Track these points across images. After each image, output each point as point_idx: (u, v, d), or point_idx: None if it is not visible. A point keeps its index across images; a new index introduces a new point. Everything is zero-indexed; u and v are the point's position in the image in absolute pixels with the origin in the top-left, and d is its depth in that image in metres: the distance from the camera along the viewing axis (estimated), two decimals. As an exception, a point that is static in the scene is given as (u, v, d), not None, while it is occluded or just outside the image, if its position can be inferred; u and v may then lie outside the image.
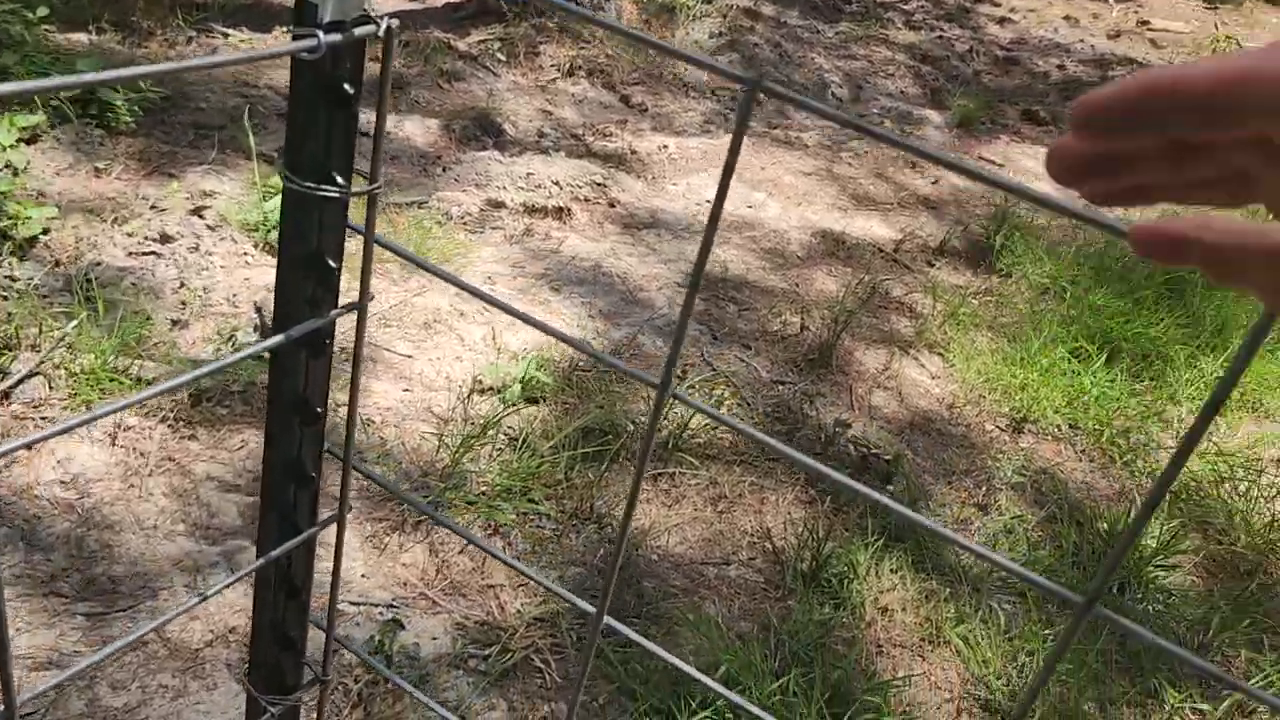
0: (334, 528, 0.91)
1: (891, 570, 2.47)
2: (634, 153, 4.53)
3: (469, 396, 2.74)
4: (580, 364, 2.97)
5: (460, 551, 2.27)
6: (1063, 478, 2.97)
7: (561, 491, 2.49)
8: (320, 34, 0.59)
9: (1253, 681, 2.38)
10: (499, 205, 3.77)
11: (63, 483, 2.20)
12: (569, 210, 3.87)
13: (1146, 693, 2.32)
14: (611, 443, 2.63)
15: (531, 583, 2.22)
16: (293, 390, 0.79)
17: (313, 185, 0.65)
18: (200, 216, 3.20)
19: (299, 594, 0.91)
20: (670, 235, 3.91)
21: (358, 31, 0.61)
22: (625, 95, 5.16)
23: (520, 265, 3.46)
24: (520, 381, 2.74)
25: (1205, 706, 2.29)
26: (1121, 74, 7.87)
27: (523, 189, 3.94)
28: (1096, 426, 3.20)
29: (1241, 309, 3.92)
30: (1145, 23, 9.73)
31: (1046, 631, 2.37)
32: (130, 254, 2.95)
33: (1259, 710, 2.32)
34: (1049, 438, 3.16)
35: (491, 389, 2.78)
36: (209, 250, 3.07)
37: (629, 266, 3.60)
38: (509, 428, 2.64)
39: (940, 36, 7.75)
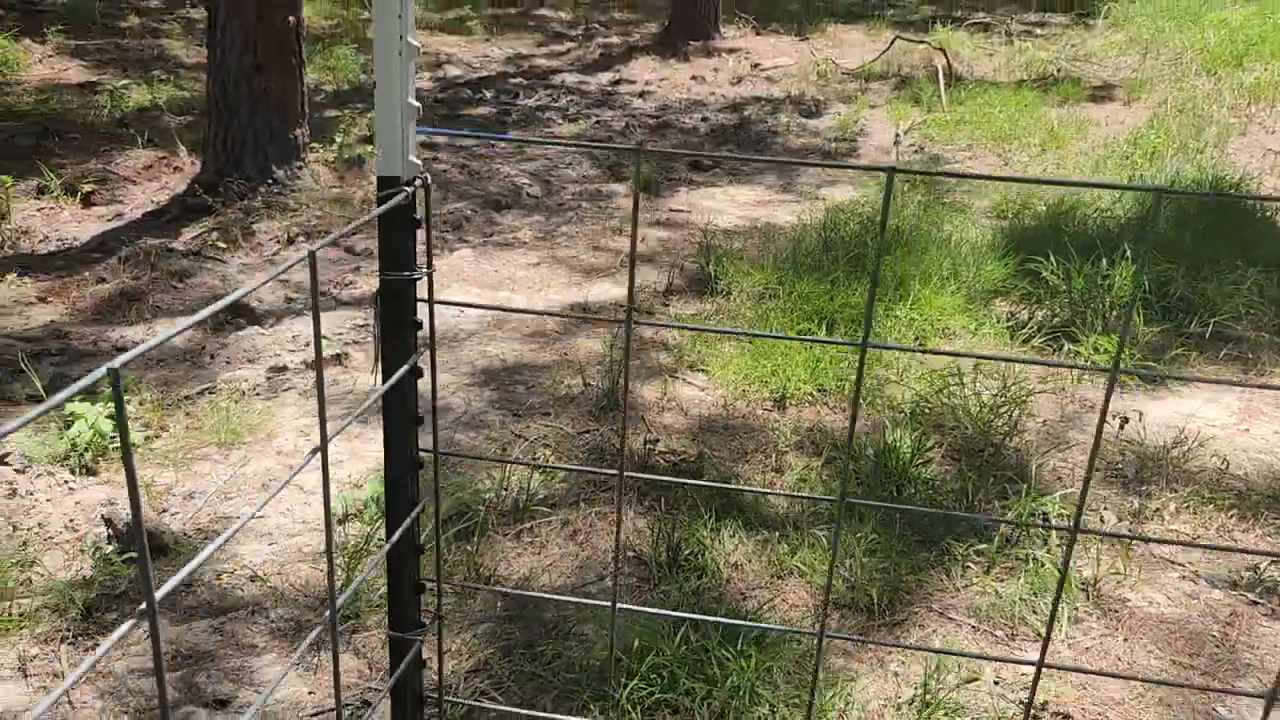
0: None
1: (730, 537, 2.99)
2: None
3: (342, 521, 3.02)
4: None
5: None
6: (826, 429, 3.63)
7: (449, 567, 2.83)
8: (406, 189, 1.02)
9: (1008, 513, 3.08)
10: (281, 369, 4.04)
11: (-8, 726, 2.30)
12: (345, 354, 4.20)
13: (942, 552, 2.97)
14: (475, 516, 3.00)
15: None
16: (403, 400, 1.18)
17: (406, 274, 1.07)
18: (5, 464, 3.28)
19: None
20: (441, 347, 4.32)
21: (417, 182, 1.06)
22: (348, 247, 5.54)
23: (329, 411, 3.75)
24: (373, 500, 3.06)
25: (983, 546, 2.97)
26: (754, 111, 9.14)
27: (294, 350, 4.23)
28: (837, 384, 3.91)
29: (909, 265, 4.84)
30: (757, 65, 11.24)
31: (858, 535, 2.97)
32: (-49, 518, 3.01)
33: (1023, 541, 3.01)
34: (805, 404, 3.83)
35: (349, 516, 3.08)
36: (28, 490, 3.16)
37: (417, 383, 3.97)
38: (379, 539, 2.95)
39: (597, 121, 8.67)
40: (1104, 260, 4.67)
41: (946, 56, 10.36)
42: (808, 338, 1.66)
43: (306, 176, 5.98)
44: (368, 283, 5.01)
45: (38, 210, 5.74)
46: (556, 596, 2.64)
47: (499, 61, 10.88)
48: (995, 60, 11.33)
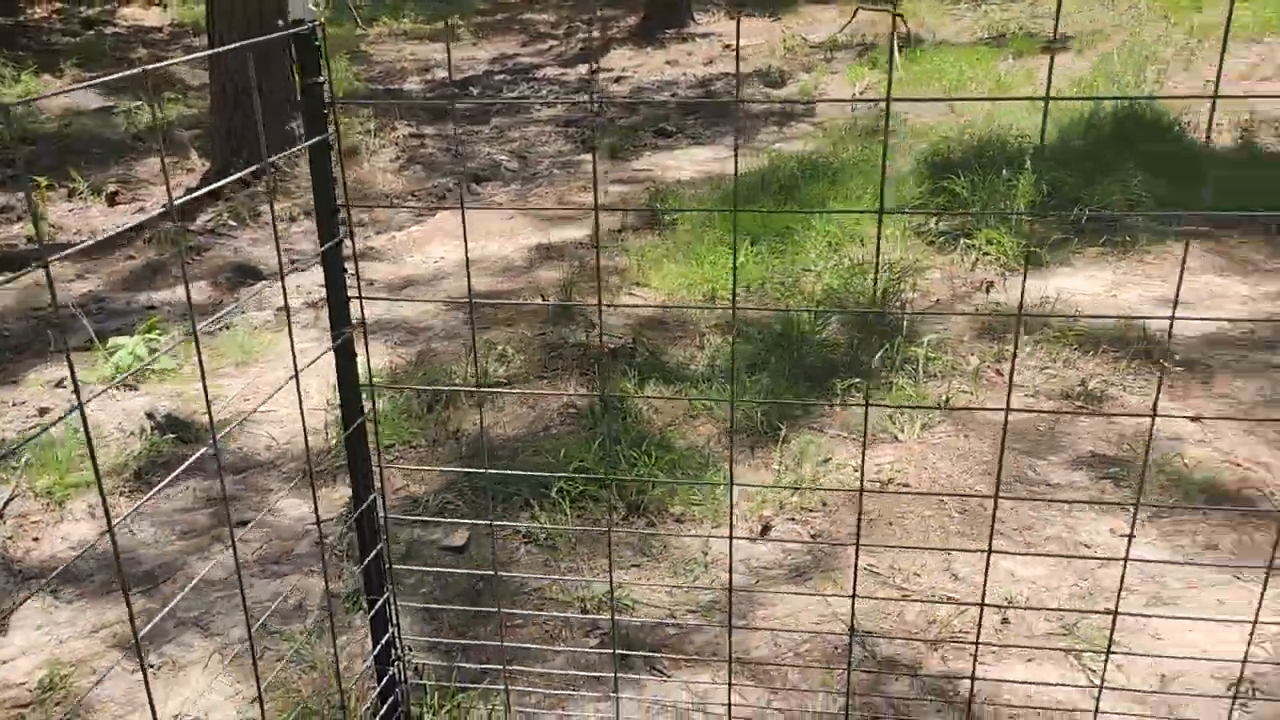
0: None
1: (651, 393, 3.64)
2: (372, 248, 5.62)
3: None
4: (405, 359, 3.99)
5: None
6: (746, 317, 4.27)
7: (427, 429, 3.50)
8: (309, 22, 1.68)
9: (884, 357, 3.71)
10: (285, 309, 4.73)
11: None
12: (341, 296, 4.88)
13: (827, 390, 3.60)
14: (442, 394, 3.67)
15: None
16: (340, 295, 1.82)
17: (323, 136, 1.73)
18: (62, 387, 3.99)
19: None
20: (422, 285, 5.00)
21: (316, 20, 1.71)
22: (342, 220, 6.23)
23: (323, 340, 4.44)
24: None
25: (857, 382, 3.59)
26: (721, 86, 9.79)
27: (297, 295, 4.93)
28: (759, 283, 4.55)
29: (835, 190, 5.47)
30: (729, 46, 11.88)
31: (756, 379, 3.60)
32: (17, 429, 3.71)
33: (892, 381, 3.63)
34: (727, 300, 4.47)
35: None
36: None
37: (406, 312, 4.65)
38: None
39: (574, 105, 9.35)
40: (1004, 173, 5.28)
41: (905, 22, 10.95)
42: (823, 210, 2.30)
43: (303, 164, 6.69)
44: (364, 242, 5.70)
45: (69, 210, 6.49)
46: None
47: (485, 62, 11.60)
48: (961, 24, 11.91)
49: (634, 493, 3.02)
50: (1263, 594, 1.83)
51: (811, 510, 2.99)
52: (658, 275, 4.76)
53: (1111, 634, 1.90)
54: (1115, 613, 1.93)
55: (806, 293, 4.41)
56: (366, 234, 5.92)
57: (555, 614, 2.61)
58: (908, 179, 5.73)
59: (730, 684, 2.12)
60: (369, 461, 2.01)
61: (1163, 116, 6.76)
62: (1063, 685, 2.27)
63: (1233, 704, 2.01)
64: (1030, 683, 2.28)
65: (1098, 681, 2.26)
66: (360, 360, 1.97)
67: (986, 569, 1.78)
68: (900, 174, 5.92)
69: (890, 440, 3.32)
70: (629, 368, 3.81)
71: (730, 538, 1.87)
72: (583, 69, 11.08)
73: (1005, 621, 2.50)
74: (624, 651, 2.46)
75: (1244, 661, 1.89)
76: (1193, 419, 3.33)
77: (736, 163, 1.58)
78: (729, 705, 2.14)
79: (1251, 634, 1.88)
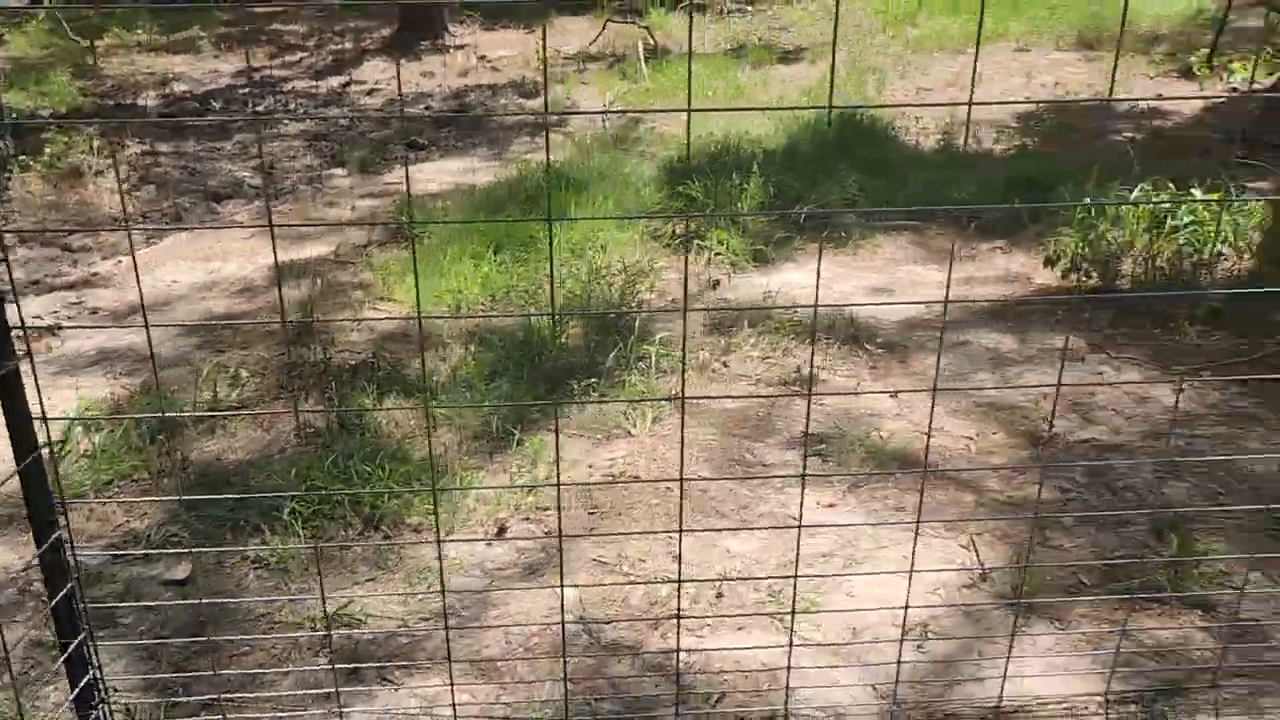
0: None
1: (391, 403, 3.63)
2: (97, 275, 5.29)
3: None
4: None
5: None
6: (493, 325, 4.33)
7: (154, 460, 3.34)
8: None
9: (622, 357, 3.87)
10: None
11: None
12: (58, 325, 4.58)
13: (566, 391, 3.71)
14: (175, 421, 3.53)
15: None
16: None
17: None
18: None
19: None
20: (153, 312, 4.76)
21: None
22: (65, 245, 5.84)
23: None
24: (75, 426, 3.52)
25: (592, 380, 3.73)
26: (475, 97, 9.83)
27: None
28: (504, 291, 4.62)
29: (578, 198, 5.63)
30: (484, 58, 11.92)
31: (495, 385, 3.67)
32: None
33: (625, 379, 3.79)
34: (478, 309, 4.52)
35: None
36: None
37: (133, 340, 4.41)
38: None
39: (324, 119, 9.12)
40: (734, 178, 5.60)
41: (652, 35, 11.37)
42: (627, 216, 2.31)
43: (16, 186, 6.21)
44: (78, 272, 5.36)
45: None
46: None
47: (228, 75, 11.11)
48: (708, 36, 12.44)
49: (368, 506, 3.02)
50: (914, 548, 2.07)
51: (546, 509, 3.09)
52: (402, 288, 4.74)
53: (795, 596, 2.09)
54: (795, 576, 2.13)
55: (548, 300, 4.52)
56: (91, 260, 5.56)
57: (281, 636, 2.57)
58: (649, 184, 5.97)
59: (452, 684, 2.17)
60: (49, 498, 1.93)
61: (876, 122, 7.37)
62: (764, 648, 2.46)
63: (900, 645, 2.25)
64: (736, 649, 2.46)
65: (797, 641, 2.47)
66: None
67: (679, 550, 1.92)
68: (644, 180, 6.15)
69: (624, 435, 3.47)
70: (368, 383, 3.79)
71: (439, 541, 1.92)
72: (334, 81, 10.81)
73: (720, 595, 2.68)
74: (353, 665, 2.47)
75: (904, 607, 2.13)
76: (892, 395, 3.67)
77: (549, 169, 1.64)
78: (454, 705, 2.19)
79: (910, 583, 2.12)
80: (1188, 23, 11.05)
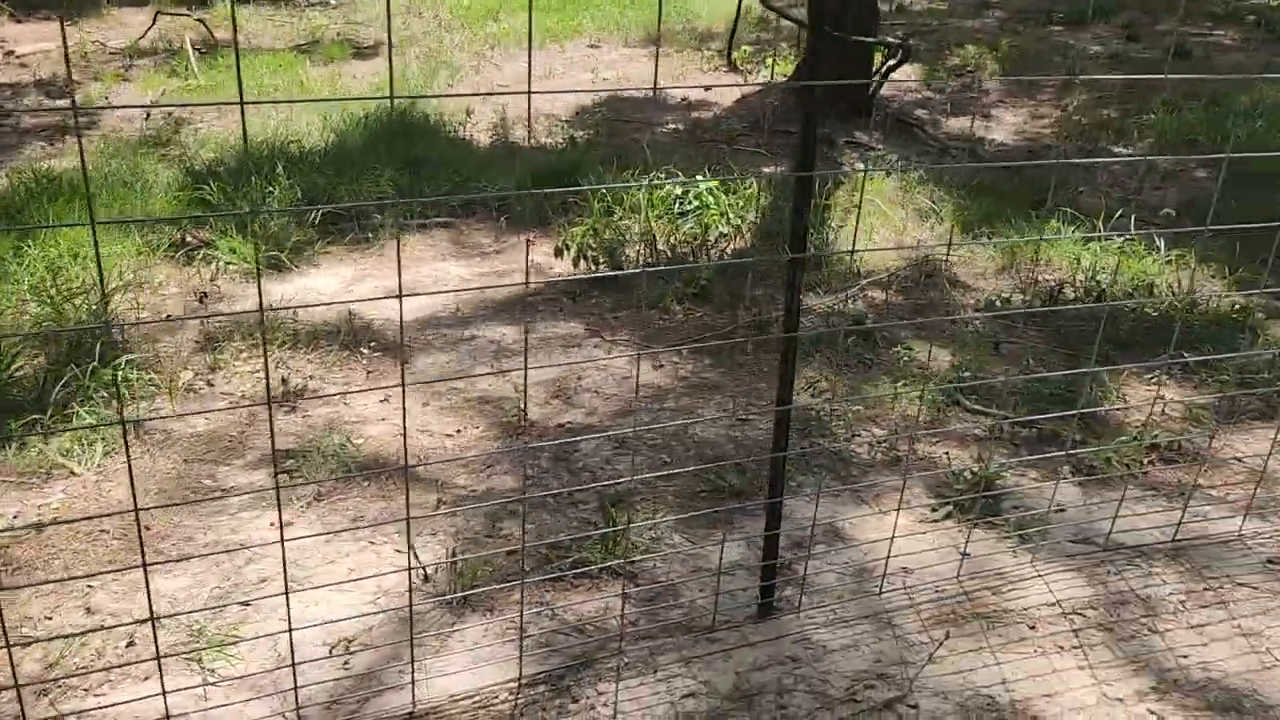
0: None
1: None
2: None
3: None
4: None
5: None
6: None
7: None
8: None
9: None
10: None
11: None
12: None
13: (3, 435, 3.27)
14: None
15: None
16: None
17: None
18: None
19: None
20: None
21: None
22: None
23: None
24: None
25: (39, 418, 3.32)
26: (-9, 98, 8.62)
27: None
28: None
29: (68, 208, 5.05)
30: (11, 53, 10.52)
31: None
32: None
33: (74, 411, 3.41)
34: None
35: None
36: None
37: None
38: None
39: None
40: (254, 180, 5.28)
41: (209, 28, 10.60)
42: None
43: None
44: None
45: None
46: None
47: None
48: (281, 31, 11.80)
49: None
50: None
51: (-49, 572, 2.68)
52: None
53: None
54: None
55: (10, 324, 3.99)
56: None
57: None
58: (166, 190, 5.49)
59: None
60: None
61: (432, 118, 7.33)
62: (172, 692, 2.26)
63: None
64: (138, 699, 2.25)
65: (212, 680, 2.29)
66: None
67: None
68: (164, 186, 5.65)
69: (65, 476, 3.10)
70: None
71: None
72: None
73: (131, 644, 2.44)
74: None
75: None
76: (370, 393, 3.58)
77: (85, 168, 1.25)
78: None
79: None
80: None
